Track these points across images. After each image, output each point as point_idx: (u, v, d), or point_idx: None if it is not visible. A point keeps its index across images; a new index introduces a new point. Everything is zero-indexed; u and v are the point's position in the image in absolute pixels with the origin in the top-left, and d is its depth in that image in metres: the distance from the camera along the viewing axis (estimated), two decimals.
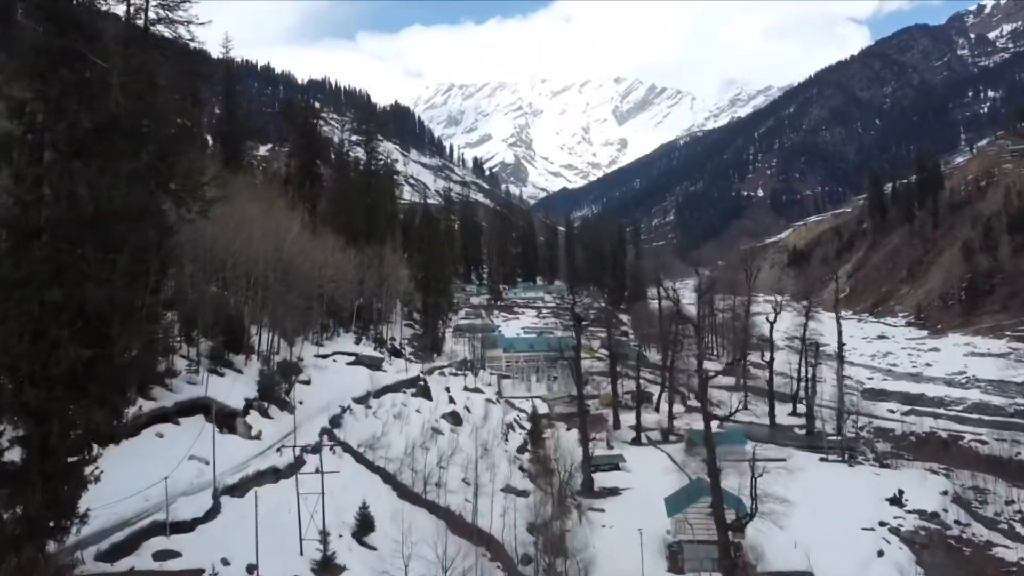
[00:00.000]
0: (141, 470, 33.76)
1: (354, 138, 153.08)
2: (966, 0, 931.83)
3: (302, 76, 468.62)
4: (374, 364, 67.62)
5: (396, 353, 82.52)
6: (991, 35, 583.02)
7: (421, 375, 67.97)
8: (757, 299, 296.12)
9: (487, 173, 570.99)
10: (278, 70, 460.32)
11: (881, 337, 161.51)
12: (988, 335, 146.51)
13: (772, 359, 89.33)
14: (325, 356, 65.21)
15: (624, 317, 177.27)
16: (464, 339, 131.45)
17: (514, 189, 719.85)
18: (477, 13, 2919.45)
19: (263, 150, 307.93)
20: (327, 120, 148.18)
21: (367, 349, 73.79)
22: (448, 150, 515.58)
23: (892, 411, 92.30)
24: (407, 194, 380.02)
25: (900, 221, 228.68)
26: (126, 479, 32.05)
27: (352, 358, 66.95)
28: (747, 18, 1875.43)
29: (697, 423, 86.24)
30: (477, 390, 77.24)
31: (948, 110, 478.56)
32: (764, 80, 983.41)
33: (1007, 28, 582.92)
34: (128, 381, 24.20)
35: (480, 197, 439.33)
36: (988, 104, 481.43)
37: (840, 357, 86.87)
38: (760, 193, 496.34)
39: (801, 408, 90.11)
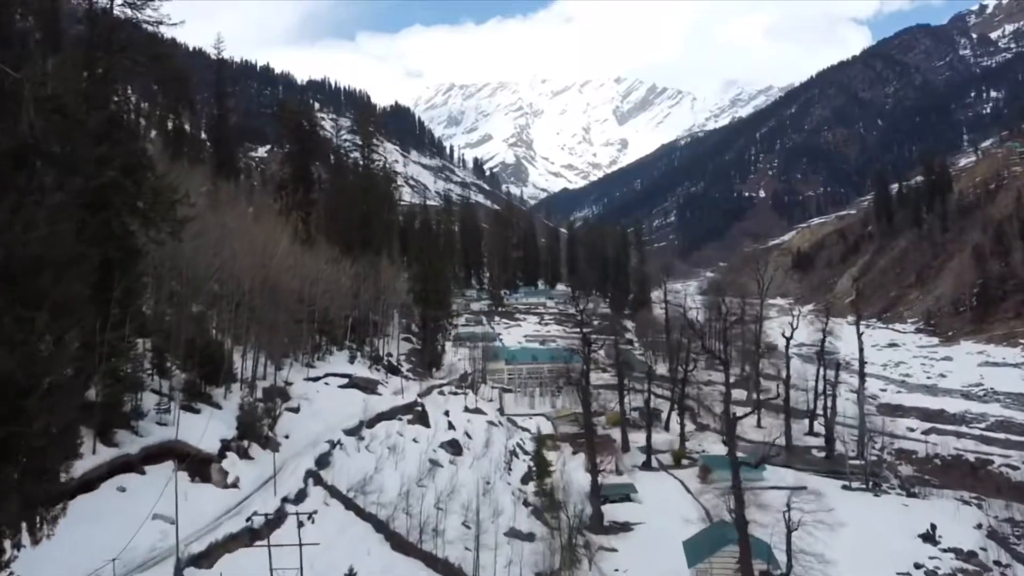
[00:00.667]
0: (98, 534, 29.42)
1: (353, 140, 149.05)
2: (968, 0, 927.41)
3: (302, 76, 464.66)
4: (368, 386, 63.23)
5: (393, 370, 78.12)
6: (993, 35, 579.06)
7: (418, 400, 63.49)
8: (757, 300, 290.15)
9: (487, 174, 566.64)
10: (277, 70, 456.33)
11: (892, 345, 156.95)
12: (1002, 343, 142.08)
13: (788, 377, 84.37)
14: (316, 379, 60.79)
15: (628, 323, 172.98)
16: (465, 348, 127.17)
17: (515, 189, 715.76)
18: (477, 13, 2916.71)
19: (262, 151, 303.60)
20: (321, 125, 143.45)
21: (362, 368, 69.36)
22: (448, 151, 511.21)
23: (912, 429, 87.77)
24: (407, 195, 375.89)
25: (907, 224, 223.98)
26: (77, 547, 27.69)
27: (345, 380, 62.57)
28: (747, 18, 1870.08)
29: (709, 444, 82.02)
30: (478, 411, 72.84)
31: (951, 110, 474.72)
32: (765, 80, 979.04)
33: (1009, 28, 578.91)
34: (53, 462, 19.68)
35: (481, 198, 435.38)
36: (991, 104, 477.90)
37: (862, 375, 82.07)
38: (762, 194, 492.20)
39: (818, 427, 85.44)
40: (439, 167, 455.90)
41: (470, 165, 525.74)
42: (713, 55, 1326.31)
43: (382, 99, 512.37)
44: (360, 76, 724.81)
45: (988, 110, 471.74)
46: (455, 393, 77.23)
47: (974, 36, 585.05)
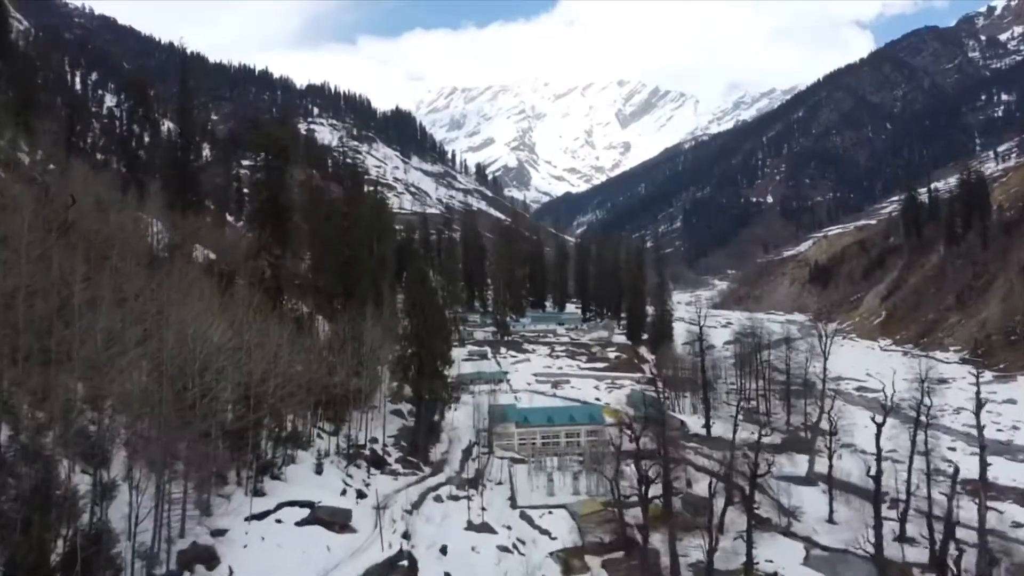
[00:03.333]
0: None
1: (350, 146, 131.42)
2: (972, 3, 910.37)
3: (301, 81, 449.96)
4: (338, 519, 45.47)
5: (378, 462, 60.48)
6: (1002, 37, 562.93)
7: (403, 548, 45.39)
8: (777, 315, 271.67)
9: (490, 179, 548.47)
10: (276, 75, 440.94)
11: (941, 381, 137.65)
12: None
13: (880, 472, 65.15)
14: (264, 514, 43.09)
15: (644, 350, 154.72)
16: (468, 395, 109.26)
17: (517, 193, 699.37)
18: (479, 16, 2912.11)
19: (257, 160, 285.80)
20: (309, 126, 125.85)
21: (333, 478, 51.65)
22: (450, 156, 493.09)
23: (1020, 524, 69.69)
24: (408, 203, 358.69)
25: (938, 238, 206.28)
26: None
27: (306, 512, 44.83)
28: (750, 21, 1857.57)
29: (781, 556, 63.98)
30: (486, 527, 55.06)
31: (961, 114, 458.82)
32: (768, 83, 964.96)
33: (1018, 30, 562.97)
34: None
35: (483, 205, 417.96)
36: (1002, 108, 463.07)
37: (983, 462, 62.56)
38: (770, 199, 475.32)
39: (911, 528, 66.48)
40: (441, 173, 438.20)
41: (472, 170, 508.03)
42: (715, 58, 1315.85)
43: (383, 103, 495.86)
44: (361, 80, 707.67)
45: (1000, 113, 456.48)
46: (456, 497, 59.39)
47: (983, 38, 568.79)
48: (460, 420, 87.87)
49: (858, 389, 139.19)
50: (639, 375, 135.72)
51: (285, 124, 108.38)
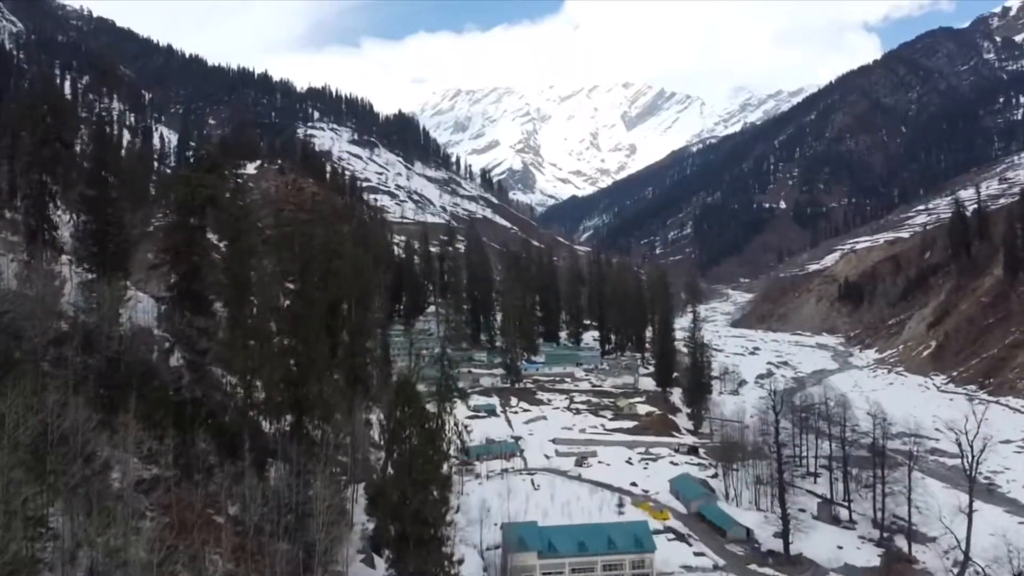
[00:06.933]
0: None
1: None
2: (978, 5, 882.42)
3: (301, 84, 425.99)
4: None
5: None
6: (1018, 38, 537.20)
7: None
8: (805, 337, 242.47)
9: (495, 182, 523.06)
10: (276, 78, 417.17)
11: None
12: None
13: None
14: None
15: (676, 398, 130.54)
16: (473, 482, 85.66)
17: (522, 196, 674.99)
18: (483, 20, 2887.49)
19: (251, 167, 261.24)
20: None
21: None
22: (455, 161, 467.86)
23: None
24: (410, 212, 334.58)
25: (991, 258, 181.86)
26: None
27: None
28: (754, 23, 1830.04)
29: None
30: None
31: (978, 117, 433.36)
32: (774, 85, 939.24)
33: None
34: None
35: (489, 213, 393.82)
36: (1021, 111, 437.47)
37: None
38: (783, 205, 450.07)
39: None
40: (445, 179, 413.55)
41: (477, 175, 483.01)
42: (721, 60, 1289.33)
43: (386, 107, 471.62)
44: (364, 83, 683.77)
45: (1019, 116, 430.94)
46: None
47: (998, 40, 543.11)
48: (463, 525, 63.75)
49: (932, 452, 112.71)
50: (676, 440, 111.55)
51: (227, 160, 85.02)
